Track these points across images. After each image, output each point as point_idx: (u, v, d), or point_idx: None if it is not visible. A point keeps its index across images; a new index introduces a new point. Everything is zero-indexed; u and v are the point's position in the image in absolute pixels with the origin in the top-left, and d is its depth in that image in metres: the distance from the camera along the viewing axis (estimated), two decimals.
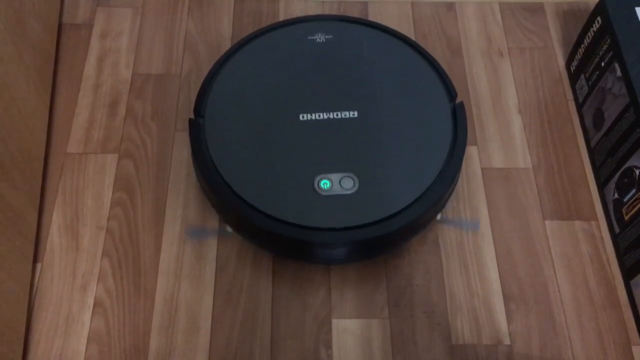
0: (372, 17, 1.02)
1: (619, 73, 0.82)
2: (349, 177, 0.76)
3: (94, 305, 0.78)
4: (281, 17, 1.02)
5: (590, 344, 0.77)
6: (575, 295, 0.80)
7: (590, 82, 0.91)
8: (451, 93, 0.83)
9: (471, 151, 0.91)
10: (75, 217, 0.84)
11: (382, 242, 0.77)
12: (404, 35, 0.90)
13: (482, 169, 0.89)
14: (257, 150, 0.78)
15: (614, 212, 0.84)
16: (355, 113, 0.80)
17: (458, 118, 0.81)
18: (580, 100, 0.94)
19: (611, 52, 0.84)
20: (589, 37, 0.91)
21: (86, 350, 0.75)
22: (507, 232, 0.85)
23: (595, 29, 0.89)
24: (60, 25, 0.99)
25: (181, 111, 0.93)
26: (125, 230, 0.83)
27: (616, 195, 0.83)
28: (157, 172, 0.88)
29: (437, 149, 0.79)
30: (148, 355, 0.75)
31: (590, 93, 0.91)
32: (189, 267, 0.81)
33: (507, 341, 0.77)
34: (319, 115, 0.80)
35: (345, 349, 0.76)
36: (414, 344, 0.77)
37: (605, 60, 0.86)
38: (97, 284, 0.79)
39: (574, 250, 0.84)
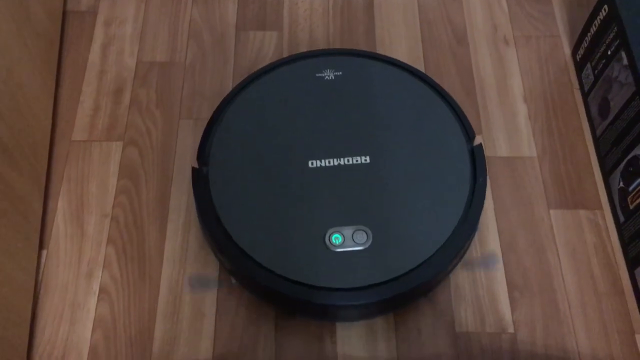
0: (376, 7, 1.02)
1: (625, 62, 0.82)
2: (362, 230, 0.72)
3: (99, 292, 0.78)
4: (286, 5, 1.02)
5: (594, 332, 0.78)
6: (580, 284, 0.81)
7: (596, 71, 0.90)
8: (469, 133, 0.80)
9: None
10: (81, 205, 0.84)
11: (397, 301, 0.74)
12: (417, 69, 0.86)
13: (487, 158, 0.89)
14: (263, 201, 0.74)
15: (619, 201, 0.83)
16: (368, 158, 0.76)
17: (477, 161, 0.77)
18: (586, 89, 0.93)
19: (618, 41, 0.84)
20: (595, 26, 0.91)
21: (92, 336, 0.76)
22: (511, 221, 0.85)
23: (601, 17, 0.88)
24: (64, 12, 0.98)
25: (185, 99, 0.93)
26: (130, 218, 0.83)
27: (621, 184, 0.83)
28: (162, 160, 0.88)
29: (455, 196, 0.74)
30: (153, 341, 0.76)
31: (596, 82, 0.90)
32: (194, 255, 0.81)
33: (510, 329, 0.77)
34: (329, 162, 0.76)
35: (349, 336, 0.76)
36: (418, 332, 0.77)
37: (612, 49, 0.86)
38: (103, 271, 0.80)
39: (579, 239, 0.84)
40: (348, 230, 0.72)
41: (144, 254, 0.81)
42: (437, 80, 0.89)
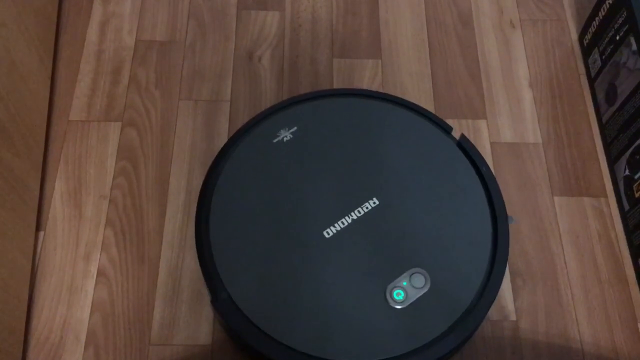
0: None
1: (634, 47, 0.80)
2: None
3: (97, 275, 0.77)
4: None
5: (596, 320, 0.77)
6: (583, 272, 0.80)
7: (603, 56, 0.89)
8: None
9: (480, 125, 0.89)
10: (79, 186, 0.83)
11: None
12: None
13: (492, 144, 0.88)
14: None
15: (624, 189, 0.82)
16: (376, 200, 0.71)
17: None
18: (593, 74, 0.92)
19: (627, 25, 0.82)
20: (603, 10, 0.89)
21: (89, 319, 0.75)
22: (515, 207, 0.84)
23: (610, 1, 0.87)
24: None
25: (185, 79, 0.91)
26: (129, 200, 0.82)
27: (627, 172, 0.82)
28: (161, 141, 0.86)
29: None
30: (152, 324, 0.75)
31: (603, 67, 0.89)
32: (194, 238, 0.80)
33: (512, 317, 0.77)
34: (344, 222, 0.70)
35: None
36: None
37: (621, 34, 0.84)
38: (101, 253, 0.79)
39: (583, 226, 0.83)
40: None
41: (143, 236, 0.80)
42: (441, 62, 0.88)
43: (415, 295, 0.66)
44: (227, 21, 0.97)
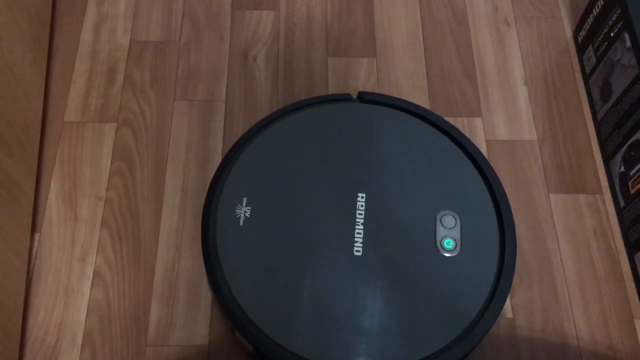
0: None
1: (628, 43, 0.81)
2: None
3: (94, 276, 0.77)
4: None
5: (593, 317, 0.77)
6: (579, 269, 0.80)
7: (598, 53, 0.89)
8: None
9: (476, 123, 0.89)
10: (74, 187, 0.83)
11: None
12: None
13: (487, 141, 0.88)
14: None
15: (620, 185, 0.83)
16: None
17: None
18: (588, 71, 0.92)
19: (621, 22, 0.82)
20: (598, 7, 0.89)
21: (86, 321, 0.75)
22: (511, 204, 0.83)
23: None
24: None
25: (180, 79, 0.91)
26: (125, 201, 0.82)
27: (622, 169, 0.82)
28: (157, 142, 0.86)
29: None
30: (149, 326, 0.75)
31: (598, 64, 0.89)
32: (190, 238, 0.80)
33: (509, 314, 0.77)
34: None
35: None
36: None
37: (615, 31, 0.84)
38: (97, 255, 0.79)
39: (579, 223, 0.83)
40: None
41: (139, 237, 0.80)
42: (436, 60, 0.87)
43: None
44: (221, 21, 0.96)
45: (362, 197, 0.71)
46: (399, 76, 0.93)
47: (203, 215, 0.71)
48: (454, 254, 0.69)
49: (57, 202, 0.81)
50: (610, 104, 0.85)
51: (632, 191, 0.79)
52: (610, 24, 0.85)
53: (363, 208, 0.71)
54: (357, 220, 0.70)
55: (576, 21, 0.97)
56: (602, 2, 0.88)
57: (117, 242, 0.79)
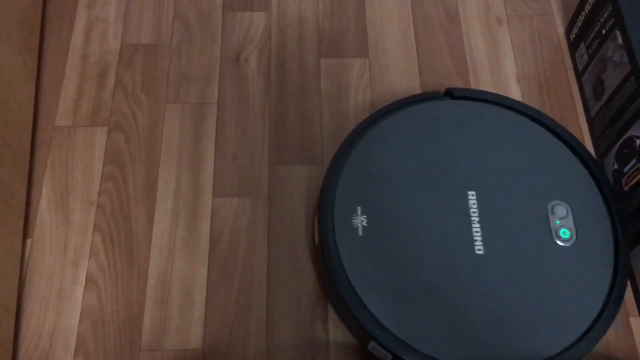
0: None
1: (620, 41, 0.80)
2: None
3: (86, 281, 0.77)
4: None
5: None
6: None
7: (590, 51, 0.89)
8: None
9: None
10: (65, 192, 0.82)
11: None
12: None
13: None
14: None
15: (614, 182, 0.82)
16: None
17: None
18: (580, 69, 0.92)
19: (612, 20, 0.82)
20: (589, 4, 0.89)
21: (79, 326, 0.74)
22: None
23: None
24: None
25: (172, 82, 0.90)
26: (117, 204, 0.81)
27: (615, 166, 0.82)
28: (149, 145, 0.86)
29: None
30: (142, 330, 0.74)
31: (590, 62, 0.89)
32: (183, 241, 0.80)
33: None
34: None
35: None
36: None
37: (607, 28, 0.84)
38: (89, 259, 0.78)
39: None
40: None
41: (132, 241, 0.79)
42: (428, 60, 0.87)
43: None
44: (213, 23, 0.96)
45: (473, 195, 0.72)
46: (391, 76, 0.93)
47: (319, 229, 0.70)
48: (569, 244, 0.69)
49: (48, 207, 0.81)
50: (603, 101, 0.85)
51: (626, 188, 0.79)
52: (601, 21, 0.85)
53: (475, 206, 0.71)
54: (472, 218, 0.70)
55: (568, 19, 0.97)
56: (593, 0, 0.87)
57: (109, 246, 0.79)
